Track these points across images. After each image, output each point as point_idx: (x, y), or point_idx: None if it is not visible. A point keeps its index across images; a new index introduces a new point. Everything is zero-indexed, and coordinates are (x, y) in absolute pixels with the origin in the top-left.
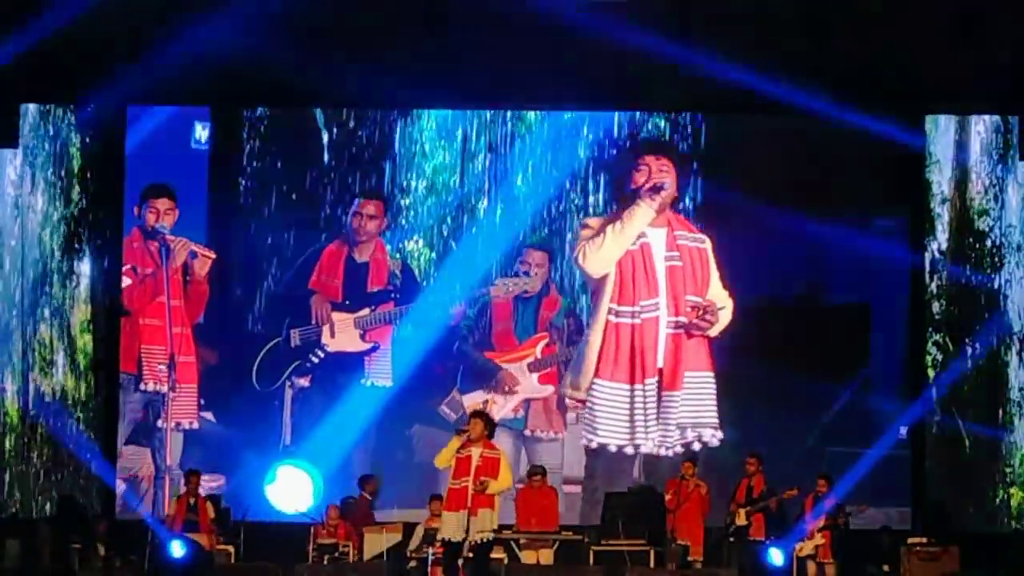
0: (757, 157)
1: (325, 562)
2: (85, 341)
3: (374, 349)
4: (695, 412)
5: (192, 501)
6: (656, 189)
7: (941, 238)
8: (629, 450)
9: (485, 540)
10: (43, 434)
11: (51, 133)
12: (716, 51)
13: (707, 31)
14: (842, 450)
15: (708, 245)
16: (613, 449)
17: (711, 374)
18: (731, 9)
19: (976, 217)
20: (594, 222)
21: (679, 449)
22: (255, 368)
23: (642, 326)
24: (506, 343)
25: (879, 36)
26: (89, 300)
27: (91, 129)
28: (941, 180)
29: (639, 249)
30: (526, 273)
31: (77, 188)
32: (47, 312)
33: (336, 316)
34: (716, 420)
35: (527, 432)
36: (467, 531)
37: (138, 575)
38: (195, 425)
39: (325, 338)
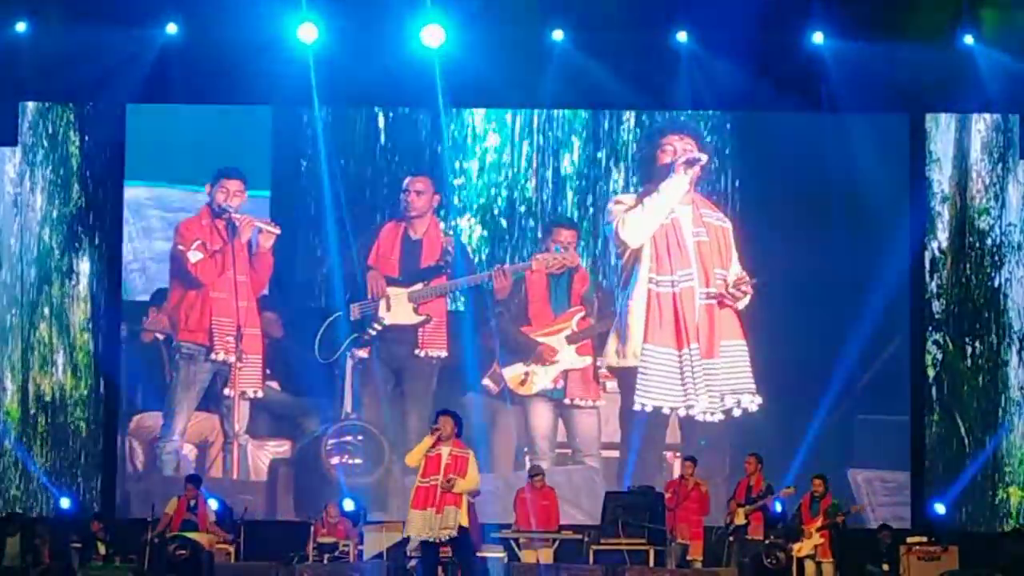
0: (761, 154)
1: (325, 561)
2: (85, 340)
3: (427, 321)
4: (732, 379)
5: (192, 502)
6: (691, 162)
7: (941, 237)
8: (682, 412)
9: (449, 537)
10: (43, 433)
11: (51, 132)
12: (717, 50)
13: (707, 30)
14: (876, 417)
15: (730, 226)
16: (666, 411)
17: (744, 342)
18: (732, 8)
19: (976, 216)
20: (626, 199)
21: (721, 416)
22: (317, 340)
23: (681, 294)
24: (543, 317)
25: (879, 36)
26: (89, 299)
27: (91, 128)
28: (941, 179)
29: (671, 223)
30: (565, 249)
31: (77, 187)
32: (47, 311)
33: (391, 291)
34: (753, 386)
35: (566, 401)
36: (431, 528)
37: (138, 575)
38: (260, 394)
39: (382, 312)
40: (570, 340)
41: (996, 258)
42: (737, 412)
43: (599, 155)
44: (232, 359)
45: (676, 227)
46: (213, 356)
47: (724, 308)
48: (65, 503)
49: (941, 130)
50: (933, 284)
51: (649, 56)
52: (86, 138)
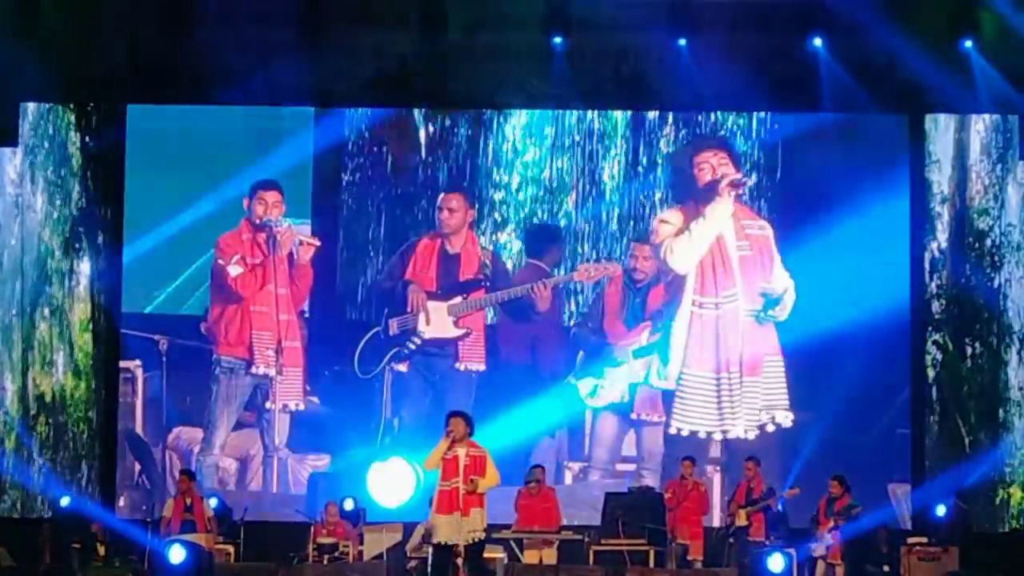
0: (762, 154)
1: (325, 562)
2: (85, 341)
3: (467, 335)
4: (769, 395)
5: (188, 502)
6: (736, 184)
7: (941, 238)
8: (717, 436)
9: (477, 540)
10: (43, 433)
11: (51, 133)
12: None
13: (709, 30)
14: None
15: (770, 231)
16: (703, 435)
17: (780, 358)
18: (732, 8)
19: (976, 217)
20: (671, 216)
21: (756, 431)
22: (357, 355)
23: (724, 315)
24: (616, 330)
25: (879, 36)
26: (89, 300)
27: (91, 129)
28: (941, 179)
29: (716, 241)
30: (634, 265)
31: (77, 188)
32: (47, 312)
33: (430, 304)
34: (787, 401)
35: (633, 416)
36: (459, 532)
37: (138, 575)
38: (301, 407)
39: (421, 326)
40: (638, 355)
41: (996, 259)
42: (771, 428)
43: (640, 167)
44: (272, 372)
45: (721, 245)
46: (253, 370)
47: (764, 325)
48: (65, 501)
49: (941, 130)
50: (933, 284)
51: (649, 57)
52: (86, 138)
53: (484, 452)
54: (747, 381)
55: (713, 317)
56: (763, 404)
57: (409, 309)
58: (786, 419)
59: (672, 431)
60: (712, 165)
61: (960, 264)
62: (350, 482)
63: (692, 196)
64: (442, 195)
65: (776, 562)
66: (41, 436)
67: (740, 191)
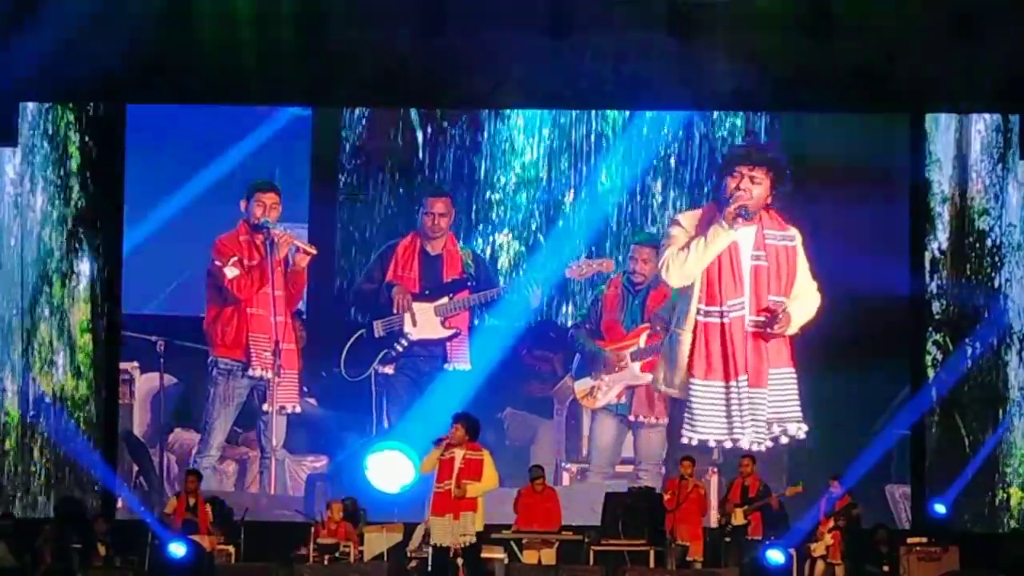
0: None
1: (325, 562)
2: (85, 341)
3: (455, 335)
4: (780, 407)
5: (192, 502)
6: (739, 215)
7: (941, 238)
8: (728, 444)
9: (468, 544)
10: (43, 434)
11: (51, 132)
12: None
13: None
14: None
15: (797, 241)
16: (712, 444)
17: (793, 370)
18: (732, 8)
19: (976, 216)
20: (686, 220)
21: (769, 444)
22: (343, 358)
23: (730, 325)
24: (614, 332)
25: (879, 36)
26: (89, 300)
27: (91, 129)
28: (941, 179)
29: (727, 249)
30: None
31: (77, 188)
32: (47, 312)
33: (416, 305)
34: (800, 414)
35: (631, 418)
36: (450, 534)
37: (139, 575)
38: (298, 409)
39: (407, 327)
40: (635, 357)
41: (996, 258)
42: (784, 440)
43: (637, 169)
44: (269, 375)
45: (733, 252)
46: (250, 372)
47: (771, 339)
48: (66, 501)
49: (941, 130)
50: (933, 284)
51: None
52: (86, 138)
53: (482, 455)
54: (753, 392)
55: (718, 326)
56: (771, 416)
57: (396, 311)
58: (799, 431)
59: (684, 440)
60: (742, 176)
61: (960, 264)
62: (348, 482)
63: (715, 199)
64: (428, 199)
65: (776, 555)
66: (41, 436)
67: (740, 223)
